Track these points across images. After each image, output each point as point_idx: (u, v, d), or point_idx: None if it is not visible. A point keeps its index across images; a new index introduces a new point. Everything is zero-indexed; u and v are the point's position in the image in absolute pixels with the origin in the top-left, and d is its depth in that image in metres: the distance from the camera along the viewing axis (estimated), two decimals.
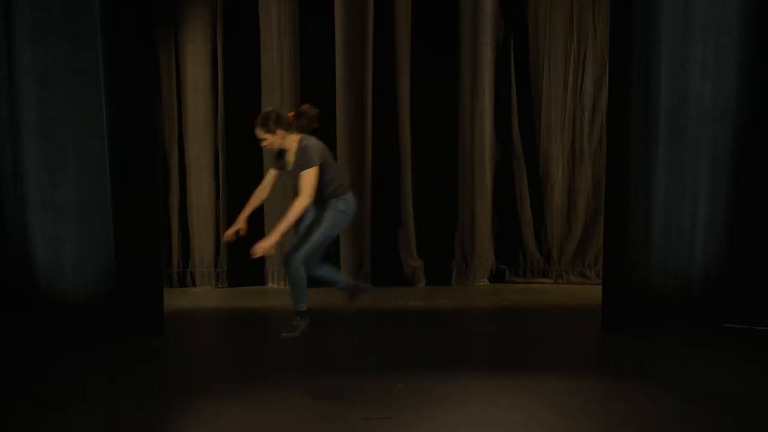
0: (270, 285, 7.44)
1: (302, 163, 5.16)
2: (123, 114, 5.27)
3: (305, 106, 5.35)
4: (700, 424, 3.71)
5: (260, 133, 5.24)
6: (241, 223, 5.36)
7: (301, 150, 5.19)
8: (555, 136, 7.44)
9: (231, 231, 5.37)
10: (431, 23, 7.33)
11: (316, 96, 7.23)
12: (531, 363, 4.79)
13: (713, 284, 5.54)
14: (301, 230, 5.34)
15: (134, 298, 5.34)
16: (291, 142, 5.26)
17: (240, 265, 7.42)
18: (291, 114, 5.31)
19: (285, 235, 5.18)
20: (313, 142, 5.27)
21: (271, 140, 5.23)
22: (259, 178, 7.32)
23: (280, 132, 5.20)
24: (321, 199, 5.26)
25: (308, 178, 5.13)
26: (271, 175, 5.46)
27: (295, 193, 5.20)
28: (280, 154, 5.36)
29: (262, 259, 7.41)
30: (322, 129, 7.27)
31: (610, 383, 4.38)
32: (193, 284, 7.41)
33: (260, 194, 5.47)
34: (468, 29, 7.29)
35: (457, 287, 7.38)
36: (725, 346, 5.17)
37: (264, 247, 5.04)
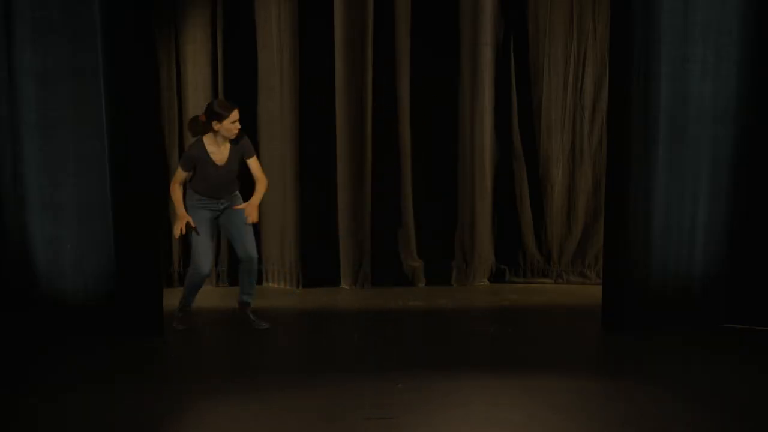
0: (270, 284, 7.43)
1: (248, 150, 5.59)
2: (123, 114, 5.27)
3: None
4: (700, 424, 3.71)
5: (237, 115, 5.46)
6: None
7: (245, 138, 5.58)
8: (555, 136, 7.43)
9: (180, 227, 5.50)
10: (431, 23, 7.32)
11: (316, 96, 7.26)
12: (531, 363, 4.79)
13: (713, 284, 5.54)
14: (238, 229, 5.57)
15: (134, 298, 5.34)
16: None
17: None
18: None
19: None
20: None
21: None
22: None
23: None
24: (232, 192, 5.60)
25: (259, 164, 5.69)
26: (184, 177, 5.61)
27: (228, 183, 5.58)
28: (193, 158, 5.47)
29: (260, 259, 7.42)
30: (323, 129, 7.33)
31: (610, 383, 4.38)
32: None
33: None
34: (468, 29, 7.29)
35: (457, 287, 7.37)
36: (725, 346, 5.17)
37: (255, 214, 5.55)
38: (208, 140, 5.46)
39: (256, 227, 7.22)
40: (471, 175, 7.38)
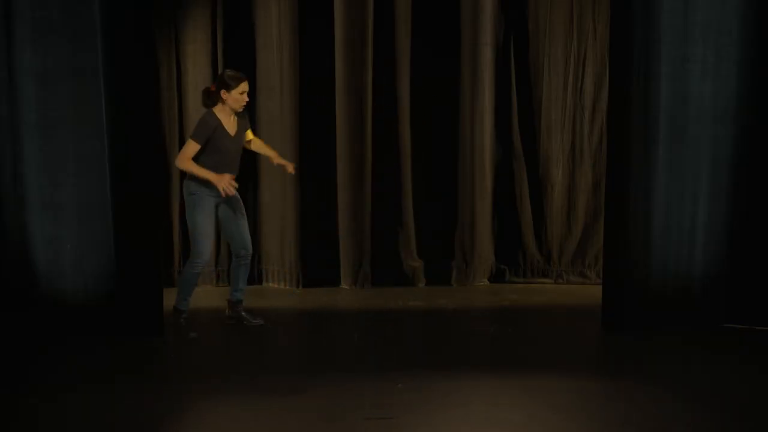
0: (270, 284, 7.43)
1: (247, 122, 5.75)
2: (123, 114, 5.27)
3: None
4: (700, 424, 3.71)
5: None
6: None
7: (245, 112, 5.70)
8: (555, 136, 7.44)
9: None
10: (431, 23, 7.32)
11: (316, 96, 7.26)
12: (531, 363, 4.79)
13: (713, 284, 5.53)
14: (237, 221, 5.62)
15: (134, 298, 5.34)
16: None
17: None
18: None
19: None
20: None
21: None
22: (257, 177, 7.38)
23: None
24: (237, 172, 5.58)
25: None
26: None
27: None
28: (209, 128, 5.41)
29: (259, 259, 7.42)
30: (323, 129, 7.33)
31: (610, 383, 4.38)
32: None
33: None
34: (468, 29, 7.29)
35: (457, 287, 7.37)
36: (725, 346, 5.17)
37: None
38: (218, 111, 5.46)
39: (257, 227, 7.24)
40: (471, 175, 7.38)
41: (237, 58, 7.23)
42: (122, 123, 5.27)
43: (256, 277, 7.45)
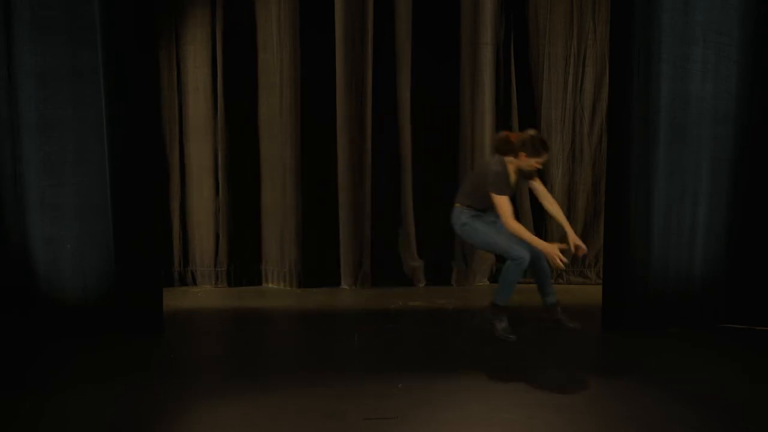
0: (269, 285, 7.43)
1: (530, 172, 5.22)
2: (123, 114, 5.27)
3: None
4: (700, 424, 3.71)
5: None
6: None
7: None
8: (555, 136, 7.45)
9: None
10: (431, 23, 7.32)
11: (316, 96, 7.26)
12: (531, 363, 4.79)
13: (713, 284, 5.54)
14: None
15: (134, 298, 5.34)
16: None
17: (239, 265, 7.42)
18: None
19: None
20: None
21: None
22: (257, 177, 7.38)
23: None
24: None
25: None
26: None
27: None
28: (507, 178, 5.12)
29: (259, 259, 7.42)
30: (323, 129, 7.33)
31: (610, 383, 4.38)
32: (194, 283, 7.41)
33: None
34: (468, 29, 7.29)
35: (457, 287, 7.37)
36: (725, 346, 5.17)
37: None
38: (508, 162, 5.13)
39: (256, 228, 7.20)
40: None
41: (237, 58, 7.24)
42: (122, 123, 5.27)
43: (255, 278, 7.47)
